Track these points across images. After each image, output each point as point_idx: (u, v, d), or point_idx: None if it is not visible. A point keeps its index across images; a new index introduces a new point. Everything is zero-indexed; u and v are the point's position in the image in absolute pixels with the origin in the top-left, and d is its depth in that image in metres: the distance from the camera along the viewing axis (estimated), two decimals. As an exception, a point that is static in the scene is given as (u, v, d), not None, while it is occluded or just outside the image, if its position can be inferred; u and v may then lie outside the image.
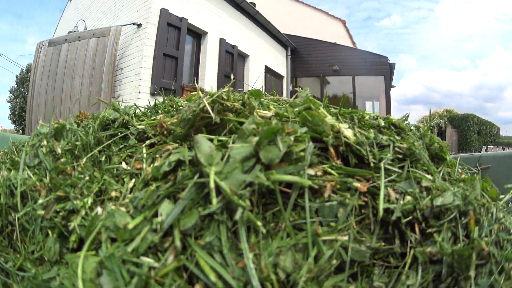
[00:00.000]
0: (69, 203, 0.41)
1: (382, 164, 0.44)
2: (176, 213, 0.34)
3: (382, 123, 0.52)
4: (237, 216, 0.32)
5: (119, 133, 0.54)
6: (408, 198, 0.44)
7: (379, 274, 0.40)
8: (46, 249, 0.41)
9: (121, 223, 0.33)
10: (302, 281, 0.33)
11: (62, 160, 0.45)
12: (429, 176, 0.47)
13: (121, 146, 0.52)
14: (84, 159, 0.47)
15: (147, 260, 0.31)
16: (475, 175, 0.58)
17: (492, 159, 0.89)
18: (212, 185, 0.32)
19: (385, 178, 0.44)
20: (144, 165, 0.43)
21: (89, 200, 0.41)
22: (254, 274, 0.31)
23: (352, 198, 0.40)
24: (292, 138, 0.39)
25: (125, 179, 0.43)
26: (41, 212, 0.42)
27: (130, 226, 0.32)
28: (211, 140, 0.44)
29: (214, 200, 0.31)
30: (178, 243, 0.32)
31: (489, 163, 0.88)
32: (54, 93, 4.96)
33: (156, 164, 0.40)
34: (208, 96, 0.48)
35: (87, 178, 0.44)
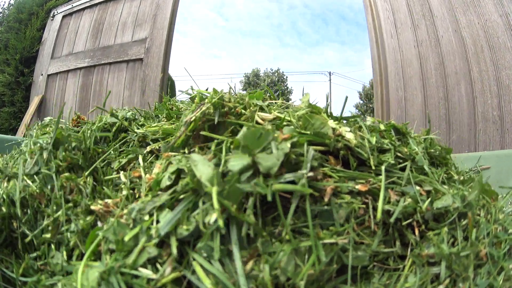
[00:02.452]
0: (72, 225, 0.41)
1: (383, 167, 0.44)
2: (173, 220, 0.34)
3: (383, 128, 0.51)
4: (243, 232, 0.32)
5: (119, 137, 0.54)
6: (409, 200, 0.44)
7: (378, 277, 0.41)
8: (52, 262, 0.41)
9: (119, 235, 0.33)
10: (303, 285, 0.34)
11: (66, 174, 0.45)
12: (429, 179, 0.47)
13: (120, 150, 0.51)
14: (86, 173, 0.47)
15: (146, 272, 0.32)
16: (474, 175, 0.58)
17: (493, 158, 0.89)
18: (216, 206, 0.32)
19: (386, 181, 0.44)
20: (143, 175, 0.42)
21: (91, 220, 0.41)
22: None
23: (352, 200, 0.40)
24: (288, 144, 0.38)
25: (124, 190, 0.43)
26: (47, 236, 0.42)
27: (126, 238, 0.32)
28: (211, 140, 0.44)
29: (221, 222, 0.31)
30: (174, 251, 0.33)
31: (490, 162, 0.87)
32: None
33: (155, 171, 0.40)
34: (210, 99, 0.47)
35: (88, 197, 0.44)
